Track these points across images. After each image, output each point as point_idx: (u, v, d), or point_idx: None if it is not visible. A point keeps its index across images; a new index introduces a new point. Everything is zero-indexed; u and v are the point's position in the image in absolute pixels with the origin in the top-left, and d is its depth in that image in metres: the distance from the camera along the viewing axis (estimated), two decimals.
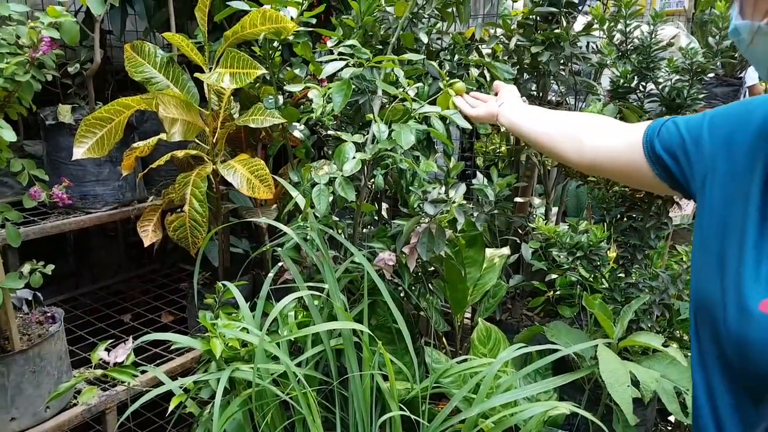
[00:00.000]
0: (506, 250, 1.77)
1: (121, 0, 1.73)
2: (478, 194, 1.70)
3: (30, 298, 1.41)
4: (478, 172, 1.88)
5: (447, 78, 1.37)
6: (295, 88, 1.28)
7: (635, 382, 1.25)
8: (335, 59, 1.19)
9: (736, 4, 0.53)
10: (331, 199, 1.29)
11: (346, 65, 1.20)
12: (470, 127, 1.20)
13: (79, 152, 1.30)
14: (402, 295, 1.61)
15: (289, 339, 1.32)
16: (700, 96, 1.38)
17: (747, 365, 0.52)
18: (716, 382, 0.58)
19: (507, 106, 1.09)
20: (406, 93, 1.31)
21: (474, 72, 1.66)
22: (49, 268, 1.29)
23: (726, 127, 0.65)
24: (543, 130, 0.96)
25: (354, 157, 1.25)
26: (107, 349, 1.33)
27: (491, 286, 1.69)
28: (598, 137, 0.84)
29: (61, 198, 1.24)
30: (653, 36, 1.37)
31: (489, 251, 1.77)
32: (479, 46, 1.64)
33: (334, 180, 1.24)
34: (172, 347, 1.51)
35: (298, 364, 1.30)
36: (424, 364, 1.54)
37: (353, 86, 1.32)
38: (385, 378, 1.34)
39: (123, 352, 1.25)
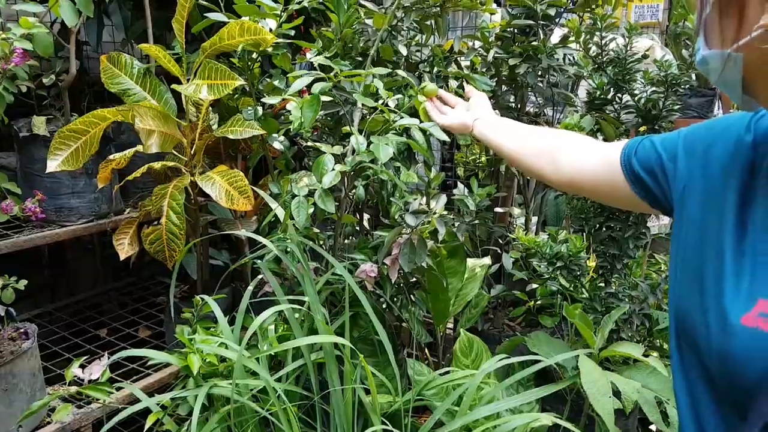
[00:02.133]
0: (487, 260, 1.77)
1: (97, 11, 1.71)
2: (458, 205, 1.70)
3: (2, 314, 1.37)
4: (458, 182, 1.89)
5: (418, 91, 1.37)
6: (272, 100, 1.27)
7: (616, 393, 1.25)
8: (305, 74, 1.19)
9: (701, 35, 0.53)
10: (311, 210, 1.28)
11: (315, 80, 1.20)
12: (449, 139, 1.21)
13: (53, 165, 1.28)
14: (384, 306, 1.60)
15: (269, 353, 1.30)
16: (676, 107, 1.41)
17: (730, 379, 0.52)
18: (700, 395, 0.58)
19: (482, 120, 1.08)
20: (385, 106, 1.31)
21: (453, 84, 1.67)
22: (22, 284, 1.26)
23: (702, 143, 0.66)
24: (518, 146, 0.96)
25: (333, 169, 1.25)
26: (82, 366, 1.30)
27: (473, 296, 1.69)
28: (575, 156, 0.84)
29: (33, 212, 1.21)
30: (628, 49, 1.40)
31: (470, 261, 1.78)
32: (458, 59, 1.66)
33: (313, 192, 1.23)
34: (149, 363, 1.48)
35: (279, 379, 1.28)
36: (407, 376, 1.53)
37: (334, 97, 1.32)
38: (367, 391, 1.33)
39: (98, 369, 1.22)
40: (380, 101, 1.32)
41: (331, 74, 1.27)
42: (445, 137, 1.20)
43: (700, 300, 0.57)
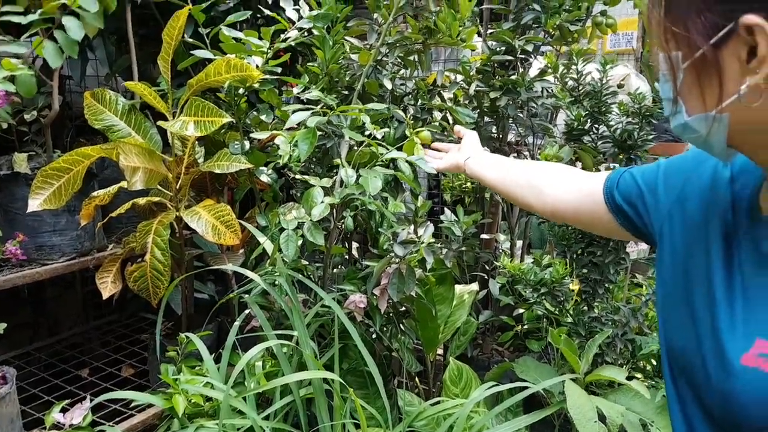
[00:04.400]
0: (475, 286, 1.79)
1: (81, 47, 1.72)
2: (445, 232, 1.73)
3: None
4: (445, 208, 1.92)
5: (412, 123, 1.41)
6: (261, 135, 1.29)
7: (602, 417, 1.27)
8: (302, 108, 1.21)
9: (680, 103, 0.52)
10: (300, 243, 1.28)
11: (312, 114, 1.22)
12: (435, 171, 1.23)
13: (34, 204, 1.26)
14: (374, 336, 1.60)
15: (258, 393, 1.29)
16: (650, 137, 1.46)
17: (732, 418, 0.52)
18: (698, 428, 0.58)
19: (472, 159, 1.12)
20: (372, 139, 1.34)
21: (438, 115, 1.71)
22: (1, 327, 1.23)
23: (679, 177, 0.68)
24: (507, 180, 0.99)
25: (322, 202, 1.26)
26: (63, 410, 1.26)
27: (461, 323, 1.70)
28: (559, 188, 0.87)
29: (14, 254, 1.18)
30: (603, 82, 1.45)
31: (458, 288, 1.79)
32: (440, 91, 1.70)
33: (302, 224, 1.24)
34: (133, 403, 1.45)
35: (267, 416, 1.27)
36: (397, 407, 1.52)
37: (322, 130, 1.34)
38: (358, 426, 1.31)
39: (80, 413, 1.18)
40: (368, 134, 1.34)
41: (322, 107, 1.29)
42: (431, 169, 1.22)
43: (695, 337, 0.57)
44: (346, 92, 1.58)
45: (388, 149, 1.34)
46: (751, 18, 0.45)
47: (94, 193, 1.39)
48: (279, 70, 1.41)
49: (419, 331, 1.65)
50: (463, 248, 1.73)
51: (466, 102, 1.67)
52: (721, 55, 0.48)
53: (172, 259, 1.50)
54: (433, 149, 1.33)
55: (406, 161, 1.28)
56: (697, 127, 0.52)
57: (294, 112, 1.19)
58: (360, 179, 1.19)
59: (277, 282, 1.30)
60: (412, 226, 1.66)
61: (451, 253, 1.70)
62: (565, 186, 0.87)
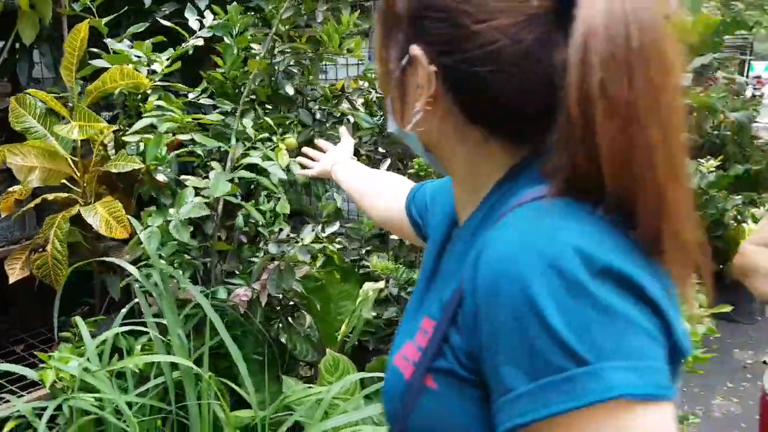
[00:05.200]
0: (381, 284, 1.85)
1: (28, 53, 1.90)
2: (348, 232, 1.80)
3: None
4: None
5: (288, 132, 1.49)
6: (131, 138, 1.41)
7: None
8: (154, 115, 1.31)
9: (389, 115, 0.58)
10: (185, 236, 1.39)
11: (159, 119, 1.32)
12: (285, 177, 1.31)
13: None
14: (277, 326, 1.70)
15: (137, 372, 1.43)
16: None
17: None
18: None
19: (338, 165, 1.17)
20: (253, 143, 1.43)
21: (352, 119, 1.78)
22: None
23: (442, 193, 0.71)
24: (357, 188, 1.04)
25: (191, 201, 1.37)
26: None
27: (364, 317, 1.77)
28: (386, 200, 0.92)
29: None
30: None
31: (367, 285, 1.86)
32: (348, 96, 1.76)
33: (170, 222, 1.35)
34: None
35: (144, 394, 1.40)
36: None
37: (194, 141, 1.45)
38: (236, 407, 1.44)
39: None
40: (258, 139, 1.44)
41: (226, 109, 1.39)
42: (282, 175, 1.30)
43: None
44: (254, 97, 1.68)
45: (266, 155, 1.43)
46: (413, 48, 0.48)
47: (11, 189, 1.55)
48: (158, 80, 1.52)
49: (318, 324, 1.74)
50: (369, 247, 1.80)
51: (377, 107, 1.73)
52: (407, 79, 0.52)
53: (87, 250, 1.66)
54: (315, 148, 1.38)
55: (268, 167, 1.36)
56: (401, 137, 0.57)
57: (142, 118, 1.30)
58: (211, 182, 1.29)
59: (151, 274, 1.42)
60: (320, 225, 1.74)
61: (353, 251, 1.77)
62: (391, 200, 0.90)
